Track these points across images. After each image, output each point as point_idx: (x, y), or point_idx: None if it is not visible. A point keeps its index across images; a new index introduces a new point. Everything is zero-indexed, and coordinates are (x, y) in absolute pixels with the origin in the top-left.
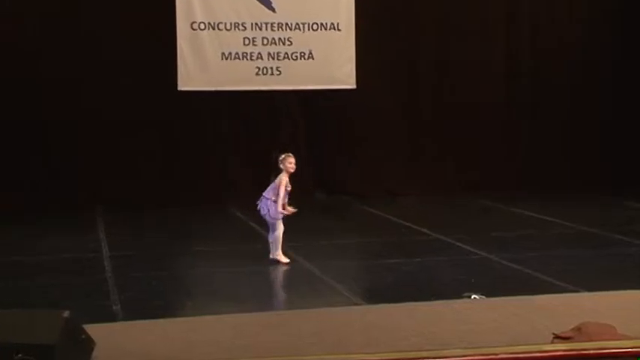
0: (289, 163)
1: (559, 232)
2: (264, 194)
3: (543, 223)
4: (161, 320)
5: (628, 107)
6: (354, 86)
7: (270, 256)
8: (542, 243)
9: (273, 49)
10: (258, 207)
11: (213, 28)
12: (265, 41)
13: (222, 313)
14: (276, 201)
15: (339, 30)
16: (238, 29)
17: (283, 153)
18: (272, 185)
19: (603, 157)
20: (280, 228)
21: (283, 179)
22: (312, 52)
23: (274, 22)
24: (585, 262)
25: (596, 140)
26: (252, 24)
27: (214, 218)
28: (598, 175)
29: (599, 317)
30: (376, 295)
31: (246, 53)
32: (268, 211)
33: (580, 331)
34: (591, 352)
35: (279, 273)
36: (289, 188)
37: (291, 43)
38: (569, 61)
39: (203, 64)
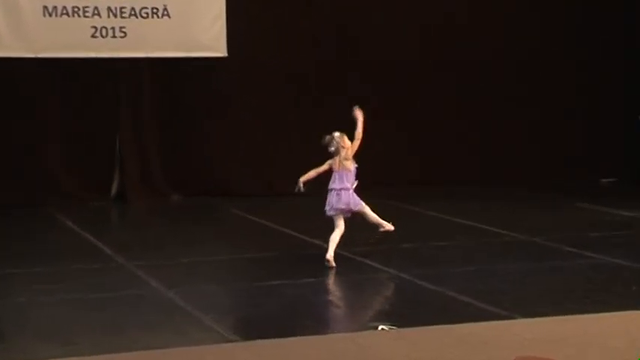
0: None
1: (489, 242)
2: (334, 186)
3: (467, 230)
4: None
5: (577, 102)
6: (224, 54)
7: (327, 257)
8: (466, 255)
9: (114, 2)
10: (332, 201)
11: None
12: None
13: (42, 358)
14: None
15: None
16: None
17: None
18: (341, 173)
19: (552, 153)
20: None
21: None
22: (168, 8)
23: None
24: (521, 280)
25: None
26: None
27: (32, 226)
28: (539, 169)
29: (537, 349)
30: (255, 328)
31: (78, 8)
32: (349, 202)
33: None
34: None
35: (128, 301)
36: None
37: None
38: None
39: (18, 24)
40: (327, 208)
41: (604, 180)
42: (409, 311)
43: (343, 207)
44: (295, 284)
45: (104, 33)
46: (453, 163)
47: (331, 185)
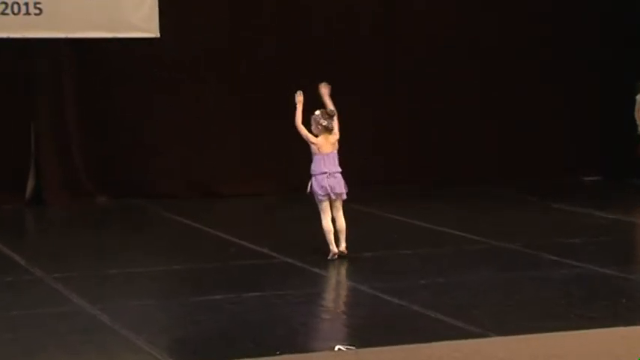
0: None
1: (460, 249)
2: (328, 169)
3: (436, 236)
4: None
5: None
6: (156, 34)
7: (339, 250)
8: (434, 265)
9: None
10: (331, 184)
11: None
12: None
13: None
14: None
15: None
16: None
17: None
18: (331, 155)
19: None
20: None
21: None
22: None
23: None
24: (497, 293)
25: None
26: None
27: None
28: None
29: None
30: (192, 349)
31: None
32: (344, 185)
33: None
34: None
35: (46, 320)
36: None
37: None
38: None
39: None
40: (320, 192)
41: (586, 179)
42: (370, 329)
43: (343, 190)
44: (238, 299)
45: (16, 9)
46: (417, 163)
47: (323, 168)
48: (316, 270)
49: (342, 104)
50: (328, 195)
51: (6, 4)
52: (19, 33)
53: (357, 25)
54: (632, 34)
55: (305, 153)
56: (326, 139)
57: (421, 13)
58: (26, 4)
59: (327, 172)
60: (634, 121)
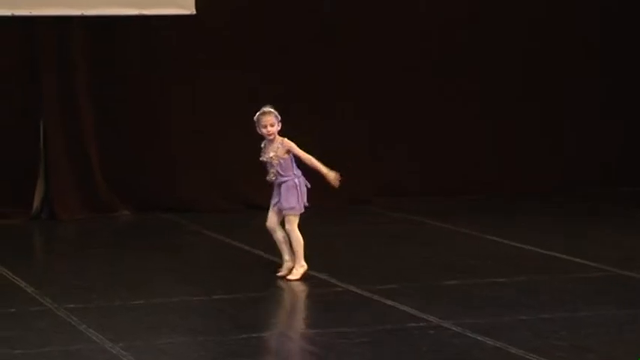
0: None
1: (564, 276)
2: (298, 173)
3: (527, 257)
4: None
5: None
6: (191, 11)
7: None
8: (536, 297)
9: None
10: (303, 192)
11: None
12: None
13: None
14: None
15: None
16: None
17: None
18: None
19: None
20: None
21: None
22: None
23: None
24: (616, 333)
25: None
26: None
27: None
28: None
29: None
30: None
31: None
32: None
33: None
34: None
35: None
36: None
37: None
38: None
39: None
40: (303, 201)
41: None
42: None
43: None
44: (289, 335)
45: None
46: (500, 169)
47: (297, 171)
48: (388, 302)
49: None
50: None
51: None
52: (25, 10)
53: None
54: None
55: (362, 157)
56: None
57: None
58: None
59: (300, 176)
60: None
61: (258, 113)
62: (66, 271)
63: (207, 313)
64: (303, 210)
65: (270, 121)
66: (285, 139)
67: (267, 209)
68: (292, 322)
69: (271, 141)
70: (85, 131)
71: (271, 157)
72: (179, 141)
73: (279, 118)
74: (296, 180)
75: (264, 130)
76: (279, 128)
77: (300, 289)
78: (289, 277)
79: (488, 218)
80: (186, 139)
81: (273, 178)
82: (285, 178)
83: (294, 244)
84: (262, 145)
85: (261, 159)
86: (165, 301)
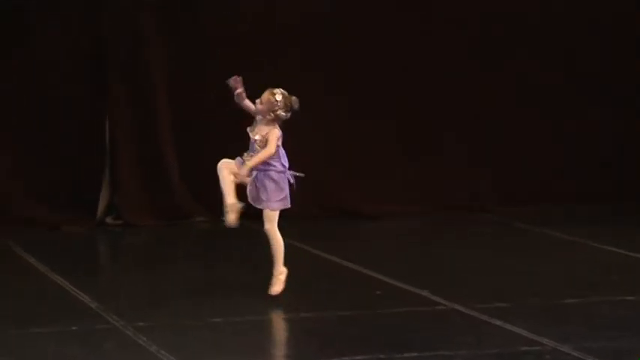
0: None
1: None
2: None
3: None
4: None
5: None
6: None
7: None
8: None
9: None
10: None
11: None
12: None
13: None
14: None
15: None
16: None
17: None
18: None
19: None
20: None
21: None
22: None
23: None
24: None
25: None
26: None
27: None
28: None
29: None
30: None
31: None
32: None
33: None
34: None
35: None
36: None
37: None
38: None
39: None
40: (286, 197)
41: None
42: None
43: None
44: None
45: None
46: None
47: (285, 162)
48: (498, 322)
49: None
50: None
51: None
52: None
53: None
54: None
55: (464, 162)
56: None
57: None
58: None
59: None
60: None
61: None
62: (134, 285)
63: (293, 333)
64: (287, 206)
65: (262, 98)
66: (276, 128)
67: (366, 217)
68: (387, 345)
69: (262, 121)
70: (156, 128)
71: (256, 140)
72: None
73: (283, 105)
74: (282, 175)
75: (257, 102)
76: (270, 117)
77: (397, 307)
78: (273, 290)
79: (608, 228)
80: None
81: (247, 159)
82: (268, 170)
83: (275, 246)
84: (256, 119)
85: (248, 130)
86: (247, 320)
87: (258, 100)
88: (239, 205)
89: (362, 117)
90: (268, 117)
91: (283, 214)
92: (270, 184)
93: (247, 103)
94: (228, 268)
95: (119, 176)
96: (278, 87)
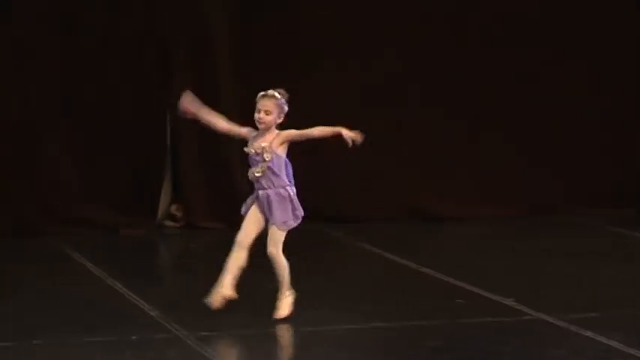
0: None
1: None
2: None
3: None
4: None
5: None
6: None
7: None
8: None
9: None
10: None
11: None
12: None
13: None
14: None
15: None
16: None
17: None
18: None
19: None
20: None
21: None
22: None
23: None
24: None
25: None
26: None
27: (24, 268)
28: None
29: None
30: None
31: None
32: None
33: None
34: None
35: None
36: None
37: None
38: None
39: None
40: (298, 214)
41: None
42: None
43: None
44: None
45: None
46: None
47: (290, 174)
48: (588, 333)
49: None
50: None
51: None
52: None
53: None
54: None
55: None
56: None
57: None
58: None
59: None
60: None
61: (259, 94)
62: (196, 291)
63: (367, 344)
64: (296, 224)
65: (267, 106)
66: (284, 131)
67: (446, 220)
68: (471, 358)
69: (264, 131)
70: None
71: (263, 147)
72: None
73: (285, 108)
74: (289, 189)
75: (256, 116)
76: (279, 120)
77: (481, 316)
78: (279, 314)
79: None
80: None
81: (258, 175)
82: (276, 186)
83: (280, 269)
84: (252, 135)
85: (245, 149)
86: (317, 330)
87: (257, 116)
88: (230, 295)
89: (438, 117)
90: (278, 120)
91: (356, 219)
92: (284, 202)
93: (223, 125)
94: (298, 274)
95: (180, 177)
96: (259, 93)
